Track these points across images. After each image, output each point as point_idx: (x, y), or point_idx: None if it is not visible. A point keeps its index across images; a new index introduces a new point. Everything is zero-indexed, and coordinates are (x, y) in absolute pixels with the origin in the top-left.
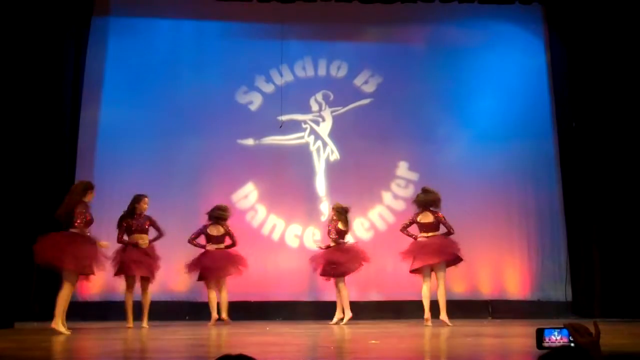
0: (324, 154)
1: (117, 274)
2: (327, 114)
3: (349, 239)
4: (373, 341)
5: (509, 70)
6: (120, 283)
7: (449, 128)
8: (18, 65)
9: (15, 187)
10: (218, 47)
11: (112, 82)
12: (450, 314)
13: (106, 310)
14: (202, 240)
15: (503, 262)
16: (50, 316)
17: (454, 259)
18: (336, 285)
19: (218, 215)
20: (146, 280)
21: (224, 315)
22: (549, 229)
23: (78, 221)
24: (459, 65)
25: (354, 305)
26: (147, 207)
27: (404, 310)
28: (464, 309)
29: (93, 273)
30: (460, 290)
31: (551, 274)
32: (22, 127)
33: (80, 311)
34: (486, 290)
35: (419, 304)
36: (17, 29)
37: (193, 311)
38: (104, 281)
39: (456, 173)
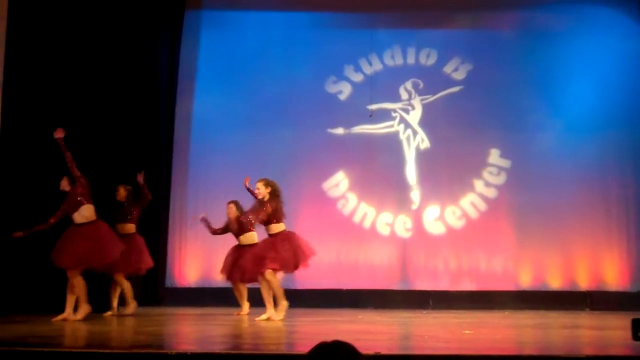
0: (414, 142)
1: None
2: (416, 102)
3: None
4: (467, 331)
5: (603, 55)
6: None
7: (541, 115)
8: (115, 60)
9: (115, 180)
10: (307, 37)
11: (205, 75)
12: (547, 306)
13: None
14: None
15: (601, 253)
16: (154, 301)
17: None
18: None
19: None
20: None
21: None
22: None
23: None
24: (550, 50)
25: (446, 295)
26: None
27: (496, 300)
28: (561, 300)
29: None
30: (557, 282)
31: None
32: (121, 122)
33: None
34: (584, 282)
35: (512, 294)
36: (114, 24)
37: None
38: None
39: (550, 161)
